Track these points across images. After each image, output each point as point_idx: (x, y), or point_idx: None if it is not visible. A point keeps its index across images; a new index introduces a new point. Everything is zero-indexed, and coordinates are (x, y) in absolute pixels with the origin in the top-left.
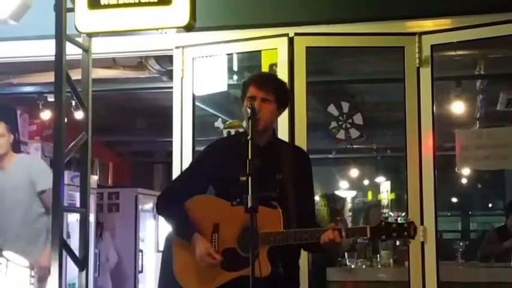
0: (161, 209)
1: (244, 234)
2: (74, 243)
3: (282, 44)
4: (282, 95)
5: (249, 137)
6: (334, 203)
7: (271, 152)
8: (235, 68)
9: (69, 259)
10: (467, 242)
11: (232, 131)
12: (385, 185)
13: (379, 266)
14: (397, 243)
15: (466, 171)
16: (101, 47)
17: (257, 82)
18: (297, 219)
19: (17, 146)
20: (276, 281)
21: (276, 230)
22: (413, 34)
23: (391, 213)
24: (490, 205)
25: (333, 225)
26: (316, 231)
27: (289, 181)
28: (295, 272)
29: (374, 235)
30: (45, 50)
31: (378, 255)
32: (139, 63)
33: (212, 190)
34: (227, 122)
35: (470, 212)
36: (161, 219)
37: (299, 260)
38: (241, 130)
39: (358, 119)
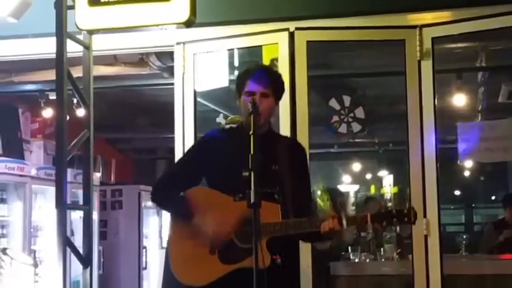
0: (157, 194)
1: (242, 226)
2: (78, 241)
3: (283, 39)
4: (279, 87)
5: (251, 132)
6: (337, 197)
7: (267, 143)
8: (236, 64)
9: (73, 256)
10: (470, 235)
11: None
12: (387, 179)
13: (383, 260)
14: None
15: (468, 163)
16: (101, 44)
17: (255, 77)
18: (294, 210)
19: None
20: (276, 271)
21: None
22: (414, 27)
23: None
24: (493, 197)
25: (333, 213)
26: (316, 220)
27: (286, 172)
28: (294, 262)
29: (375, 221)
30: (46, 47)
31: (382, 249)
32: (141, 59)
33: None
34: (229, 118)
35: (473, 205)
36: (165, 215)
37: (298, 251)
38: (234, 125)
39: (359, 112)
